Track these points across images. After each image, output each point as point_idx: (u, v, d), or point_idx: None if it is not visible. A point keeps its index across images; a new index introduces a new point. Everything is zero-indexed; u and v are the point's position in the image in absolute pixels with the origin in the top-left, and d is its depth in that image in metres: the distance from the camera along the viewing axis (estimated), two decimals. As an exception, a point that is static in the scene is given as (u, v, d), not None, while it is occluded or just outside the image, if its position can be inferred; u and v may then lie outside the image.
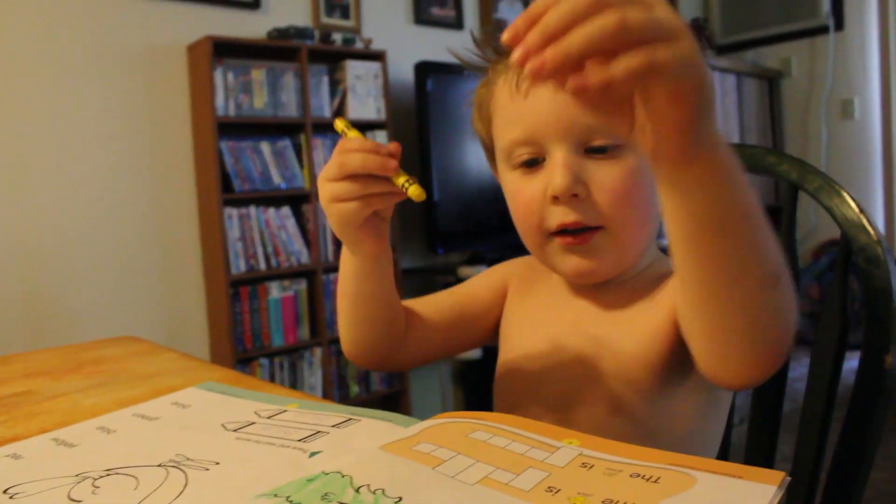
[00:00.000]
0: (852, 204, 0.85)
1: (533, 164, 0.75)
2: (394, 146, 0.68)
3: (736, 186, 0.52)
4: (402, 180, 0.67)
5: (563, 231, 0.74)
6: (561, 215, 0.73)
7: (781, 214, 0.93)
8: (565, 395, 0.79)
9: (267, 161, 3.22)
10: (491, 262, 3.05)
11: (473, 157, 3.52)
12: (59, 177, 2.80)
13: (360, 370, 3.50)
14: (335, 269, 3.43)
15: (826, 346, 0.85)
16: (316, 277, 3.35)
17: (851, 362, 0.77)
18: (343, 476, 0.53)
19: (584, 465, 0.53)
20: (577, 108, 0.64)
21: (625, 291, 0.79)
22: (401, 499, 0.48)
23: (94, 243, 2.89)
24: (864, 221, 0.84)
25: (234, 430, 0.69)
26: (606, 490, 0.48)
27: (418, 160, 3.50)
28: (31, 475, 0.60)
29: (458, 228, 3.52)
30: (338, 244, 3.42)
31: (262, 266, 3.20)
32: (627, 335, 0.76)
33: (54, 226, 2.79)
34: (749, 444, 0.91)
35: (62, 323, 2.80)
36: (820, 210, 4.28)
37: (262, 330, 3.23)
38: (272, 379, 3.22)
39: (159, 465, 0.60)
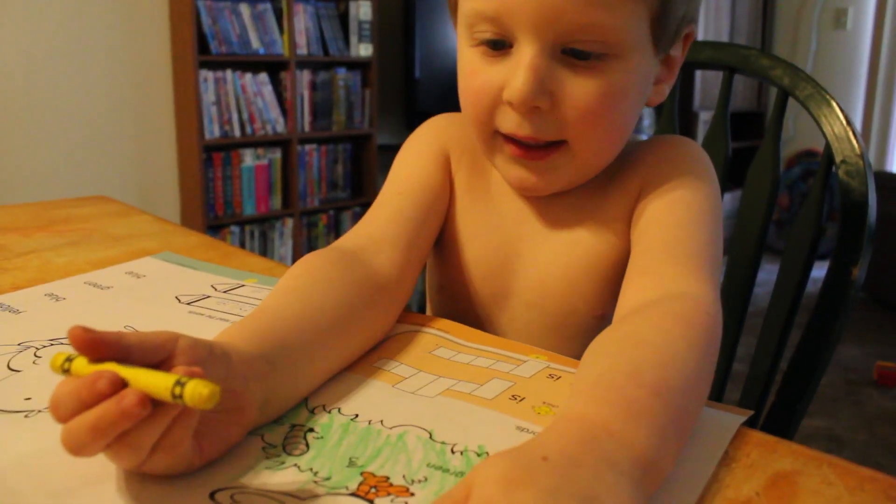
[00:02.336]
0: (840, 115, 0.84)
1: (498, 46, 0.59)
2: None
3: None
4: (168, 384, 0.35)
5: (514, 139, 0.62)
6: (514, 125, 0.60)
7: (764, 120, 0.90)
8: (525, 307, 0.70)
9: (246, 24, 3.11)
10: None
11: (459, 36, 3.41)
12: (25, 31, 2.68)
13: (331, 242, 3.49)
14: (310, 140, 3.38)
15: (797, 253, 0.85)
16: (291, 147, 3.29)
17: (814, 272, 0.77)
18: None
19: (550, 376, 0.53)
20: None
21: (585, 191, 0.68)
22: (357, 415, 0.47)
23: (61, 98, 2.79)
24: (850, 134, 0.83)
25: (188, 304, 0.67)
26: None
27: (402, 33, 3.38)
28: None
29: (438, 109, 3.43)
30: (315, 114, 3.35)
31: (237, 133, 3.13)
32: (590, 238, 0.67)
33: (18, 79, 2.69)
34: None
35: (26, 180, 2.74)
36: (800, 120, 4.26)
37: (235, 197, 3.20)
38: (242, 247, 3.20)
39: (105, 337, 0.58)
